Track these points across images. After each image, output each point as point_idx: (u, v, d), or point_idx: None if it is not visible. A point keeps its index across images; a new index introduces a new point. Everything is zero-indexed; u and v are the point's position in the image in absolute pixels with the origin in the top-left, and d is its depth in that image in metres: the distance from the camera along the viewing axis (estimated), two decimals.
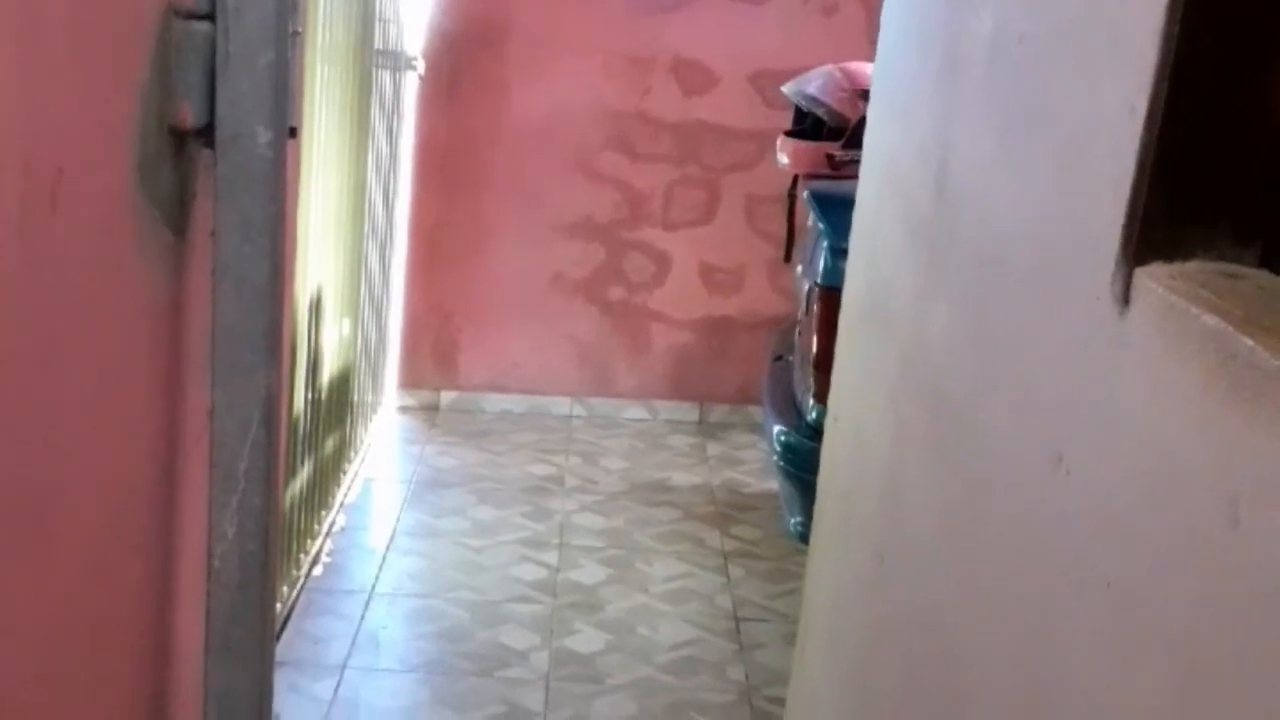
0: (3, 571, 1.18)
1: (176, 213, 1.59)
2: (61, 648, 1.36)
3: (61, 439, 1.31)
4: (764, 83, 4.84)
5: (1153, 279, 0.98)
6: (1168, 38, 0.99)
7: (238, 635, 1.73)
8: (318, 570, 3.62)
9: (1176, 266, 0.99)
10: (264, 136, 1.60)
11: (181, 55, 1.55)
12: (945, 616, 1.45)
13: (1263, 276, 0.97)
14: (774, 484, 4.42)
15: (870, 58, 4.46)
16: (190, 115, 1.57)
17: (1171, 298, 0.95)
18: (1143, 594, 0.97)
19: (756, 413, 4.95)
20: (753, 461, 4.71)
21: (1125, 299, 1.01)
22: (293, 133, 1.75)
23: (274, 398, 1.71)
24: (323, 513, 3.76)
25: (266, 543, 1.74)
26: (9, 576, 1.20)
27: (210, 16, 1.56)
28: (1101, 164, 1.09)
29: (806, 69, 4.23)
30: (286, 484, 3.24)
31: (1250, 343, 0.82)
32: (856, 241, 2.25)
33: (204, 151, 1.60)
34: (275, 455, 1.73)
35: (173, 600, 1.71)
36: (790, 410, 3.27)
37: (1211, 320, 0.87)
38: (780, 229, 4.81)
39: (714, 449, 4.82)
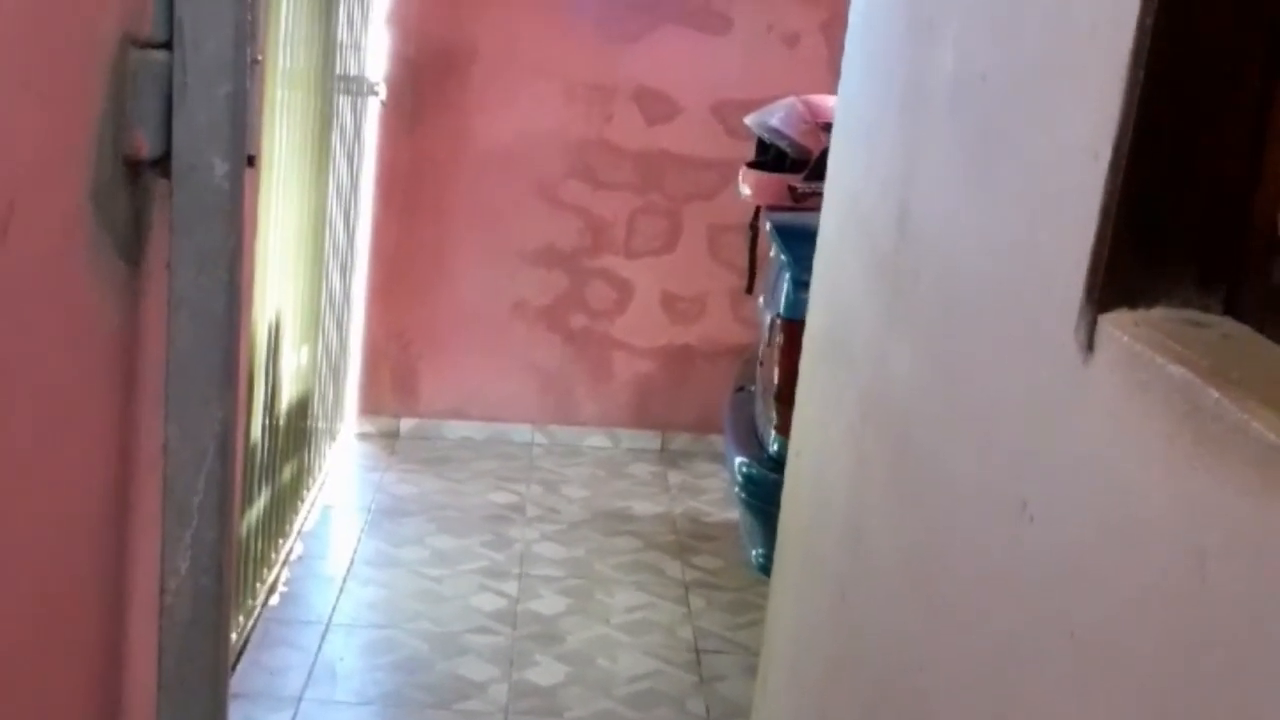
0: None
1: (132, 243, 1.57)
2: (5, 688, 1.33)
3: (5, 474, 1.28)
4: (726, 112, 4.85)
5: (1117, 326, 0.98)
6: (1132, 82, 0.99)
7: (191, 673, 1.70)
8: (274, 600, 3.58)
9: (1141, 313, 0.99)
10: (221, 168, 1.58)
11: (138, 84, 1.53)
12: (908, 657, 1.44)
13: (1228, 324, 0.96)
14: (735, 514, 4.40)
15: (832, 89, 4.49)
16: (146, 145, 1.55)
17: (1136, 346, 0.94)
18: (1108, 643, 0.96)
19: (718, 442, 4.94)
20: (714, 491, 4.70)
21: (1089, 346, 1.01)
22: (251, 161, 1.73)
23: (229, 430, 1.68)
24: (280, 541, 3.72)
25: (221, 577, 1.71)
26: None
27: (168, 45, 1.53)
28: (1065, 207, 1.09)
29: (768, 99, 4.24)
30: (243, 512, 3.21)
31: (1216, 394, 0.81)
32: (818, 275, 2.25)
33: (160, 182, 1.58)
34: (230, 488, 1.71)
35: (124, 638, 1.67)
36: (752, 441, 3.26)
37: (1177, 370, 0.87)
38: (741, 258, 4.82)
39: (675, 478, 4.80)
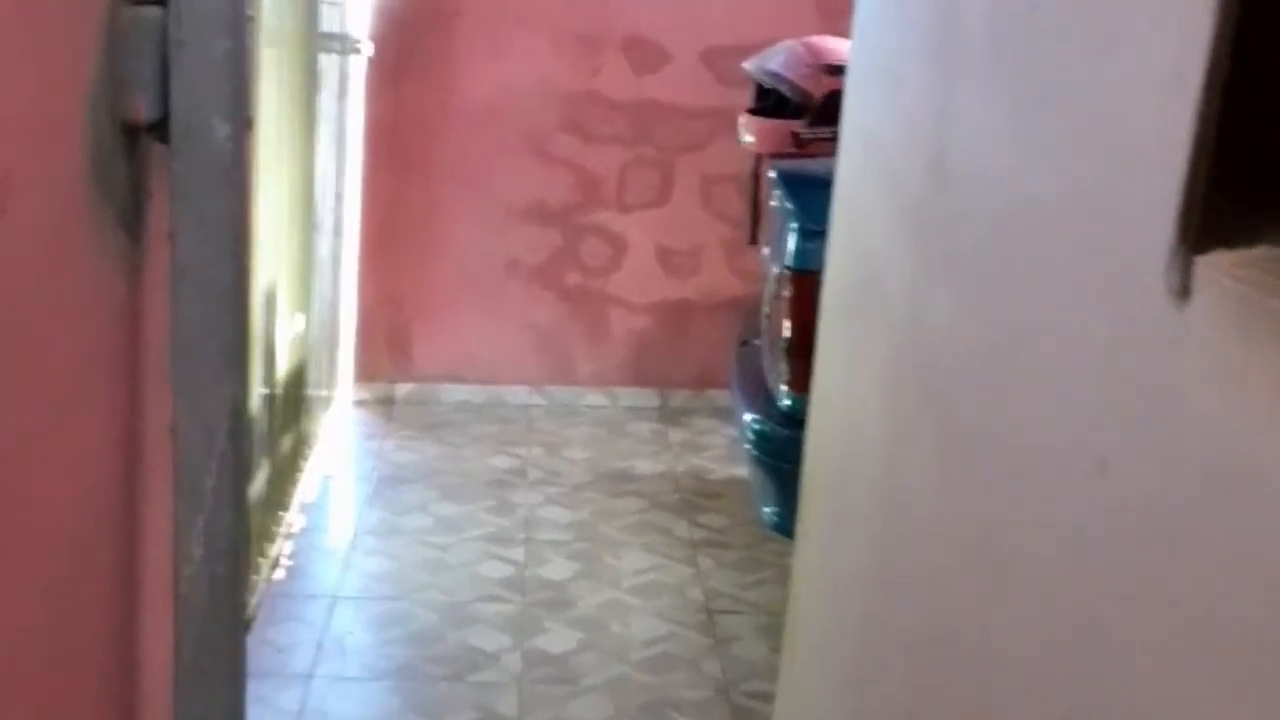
0: None
1: (132, 213, 1.48)
2: (18, 682, 1.26)
3: (9, 460, 1.20)
4: (715, 59, 4.75)
5: (1216, 268, 0.91)
6: None
7: (208, 662, 1.63)
8: (279, 574, 3.50)
9: (1241, 254, 0.91)
10: (222, 130, 1.49)
11: (132, 44, 1.44)
12: (963, 625, 1.37)
13: None
14: (739, 470, 4.35)
15: (823, 31, 4.40)
16: (143, 109, 1.47)
17: (1241, 288, 0.87)
18: (1207, 611, 0.89)
19: (718, 397, 4.88)
20: (716, 447, 4.64)
21: (1184, 290, 0.93)
22: (249, 123, 1.64)
23: (241, 409, 1.60)
24: (281, 514, 3.65)
25: (236, 563, 1.64)
26: None
27: (161, 2, 1.45)
28: (1144, 142, 1.01)
29: (758, 44, 4.15)
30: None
31: None
32: (837, 223, 2.17)
33: (159, 147, 1.49)
34: (244, 470, 1.63)
35: (138, 627, 1.61)
36: (762, 397, 3.19)
37: None
38: (736, 209, 4.74)
39: (676, 435, 4.74)
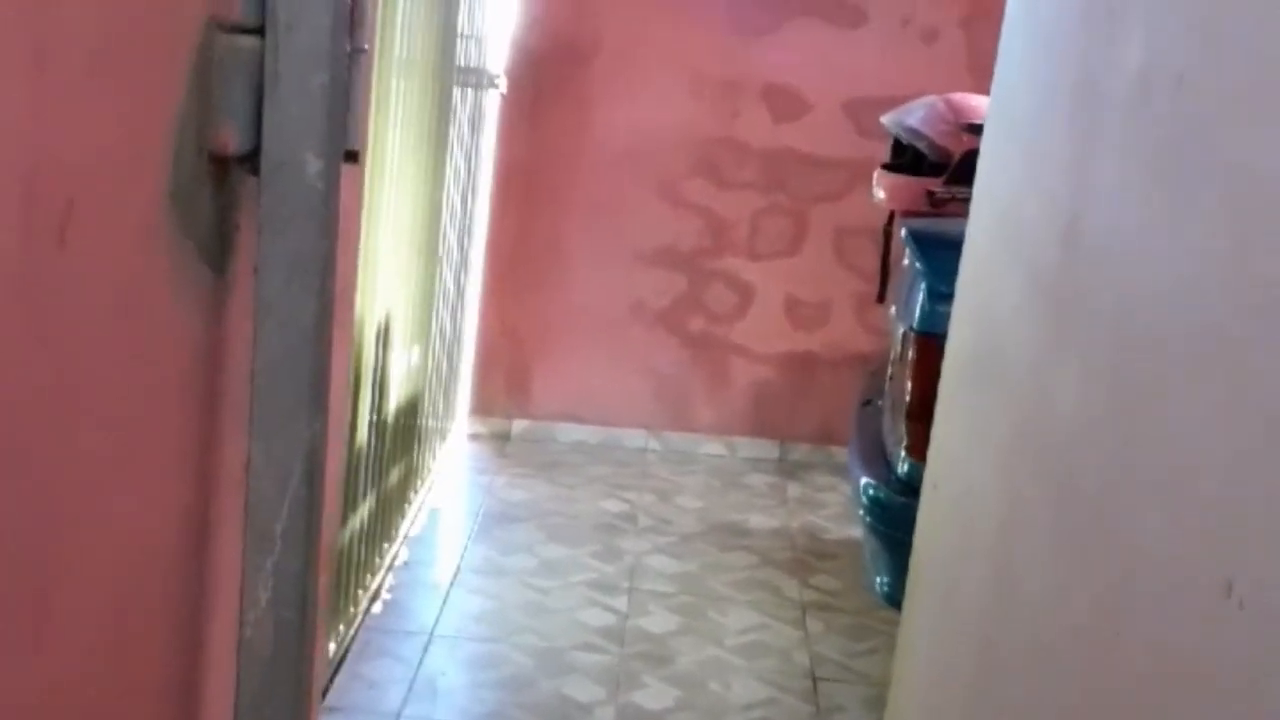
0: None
1: (216, 247, 1.44)
2: None
3: (78, 499, 1.15)
4: (858, 110, 4.65)
5: None
6: None
7: (269, 712, 1.57)
8: (377, 608, 3.47)
9: None
10: (314, 165, 1.44)
11: (225, 73, 1.40)
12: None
13: None
14: (855, 530, 4.21)
15: (970, 88, 4.27)
16: (233, 140, 1.42)
17: None
18: None
19: (839, 453, 4.74)
20: (834, 505, 4.51)
21: None
22: (354, 157, 1.59)
23: (318, 451, 1.55)
24: (385, 545, 3.62)
25: (305, 610, 1.58)
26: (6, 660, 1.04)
27: (259, 31, 1.40)
28: None
29: (902, 98, 4.04)
30: (347, 517, 3.10)
31: None
32: (964, 288, 2.05)
33: (249, 180, 1.44)
34: (318, 514, 1.57)
35: (200, 672, 1.55)
36: (879, 461, 3.07)
37: None
38: (870, 263, 4.61)
39: (794, 490, 4.62)
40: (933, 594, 1.99)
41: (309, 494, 1.55)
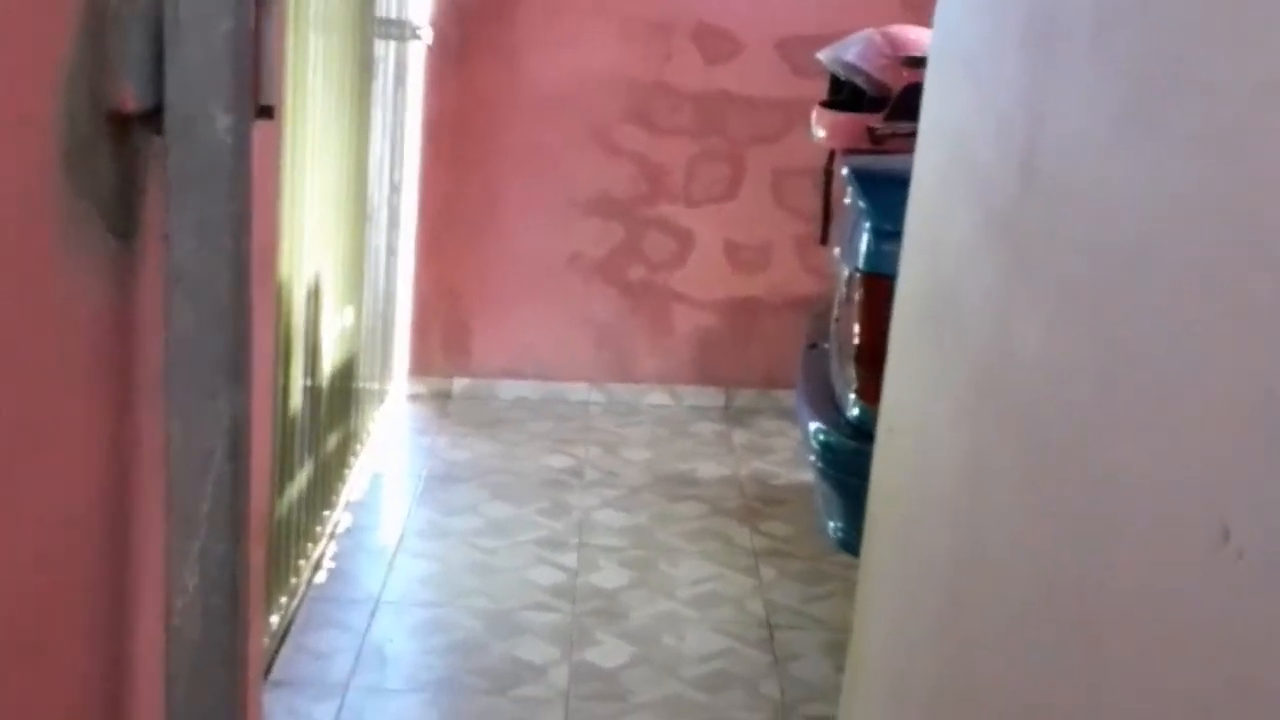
0: None
1: (120, 213, 1.33)
2: None
3: None
4: (790, 49, 4.57)
5: None
6: None
7: (202, 702, 1.48)
8: (320, 577, 3.38)
9: None
10: (223, 120, 1.33)
11: (120, 23, 1.29)
12: (1054, 703, 1.19)
13: None
14: (804, 475, 4.16)
15: (903, 21, 4.19)
16: (133, 96, 1.31)
17: None
18: None
19: (785, 398, 4.70)
20: (782, 450, 4.46)
21: None
22: (269, 112, 1.49)
23: (241, 426, 1.45)
24: (325, 513, 3.52)
25: (235, 594, 1.49)
26: None
27: None
28: None
29: (834, 34, 3.96)
30: (284, 486, 3.00)
31: None
32: (913, 227, 1.98)
33: (154, 140, 1.34)
34: (244, 493, 1.48)
35: (127, 665, 1.46)
36: (828, 406, 3.00)
37: None
38: (809, 204, 4.54)
39: (740, 437, 4.56)
40: (892, 541, 1.94)
41: (233, 472, 1.45)
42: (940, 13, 1.94)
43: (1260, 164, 0.89)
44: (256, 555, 2.14)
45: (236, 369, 1.42)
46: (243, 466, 1.46)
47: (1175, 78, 1.05)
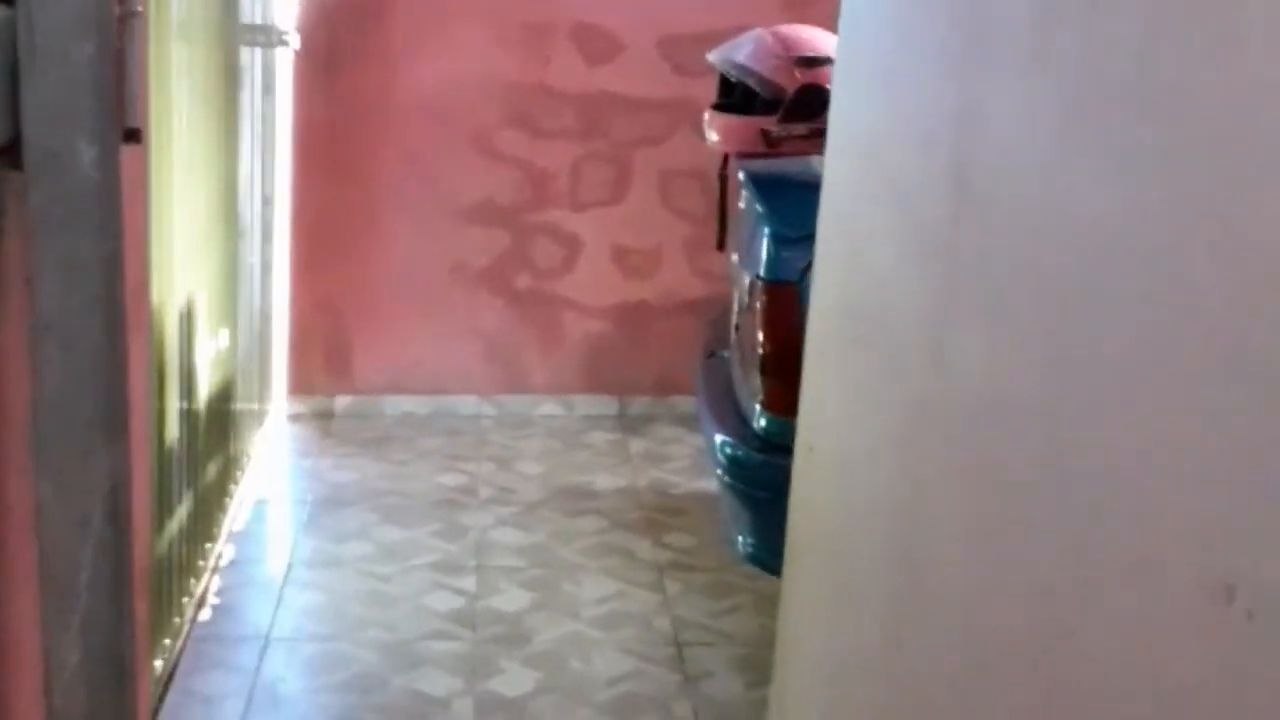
0: None
1: None
2: None
3: None
4: (672, 48, 4.48)
5: None
6: None
7: None
8: (205, 614, 3.22)
9: None
10: (88, 153, 1.20)
11: None
12: None
13: None
14: (704, 484, 4.09)
15: (783, 18, 4.13)
16: None
17: None
18: None
19: (679, 403, 4.62)
20: (679, 458, 4.38)
21: None
22: (135, 135, 1.36)
23: (120, 485, 1.32)
24: (207, 545, 3.36)
25: (121, 664, 1.36)
26: None
27: (8, 1, 1.16)
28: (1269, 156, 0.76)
29: (714, 31, 3.89)
30: (162, 523, 2.84)
31: None
32: (828, 239, 1.90)
33: (12, 175, 1.21)
34: (126, 558, 1.35)
35: None
36: (733, 417, 2.93)
37: None
38: (698, 205, 4.48)
39: (637, 446, 4.47)
40: (818, 569, 1.86)
41: (114, 536, 1.32)
42: (846, 12, 1.86)
43: (1234, 177, 0.82)
44: (140, 610, 1.99)
45: (113, 424, 1.29)
46: (124, 530, 1.33)
47: (1129, 83, 0.98)
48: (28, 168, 1.20)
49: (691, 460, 4.33)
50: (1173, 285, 0.90)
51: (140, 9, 1.45)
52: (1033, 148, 1.16)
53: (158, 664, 2.80)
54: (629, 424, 4.65)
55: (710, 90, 3.70)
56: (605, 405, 4.71)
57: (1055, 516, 1.06)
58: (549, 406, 4.69)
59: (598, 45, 4.48)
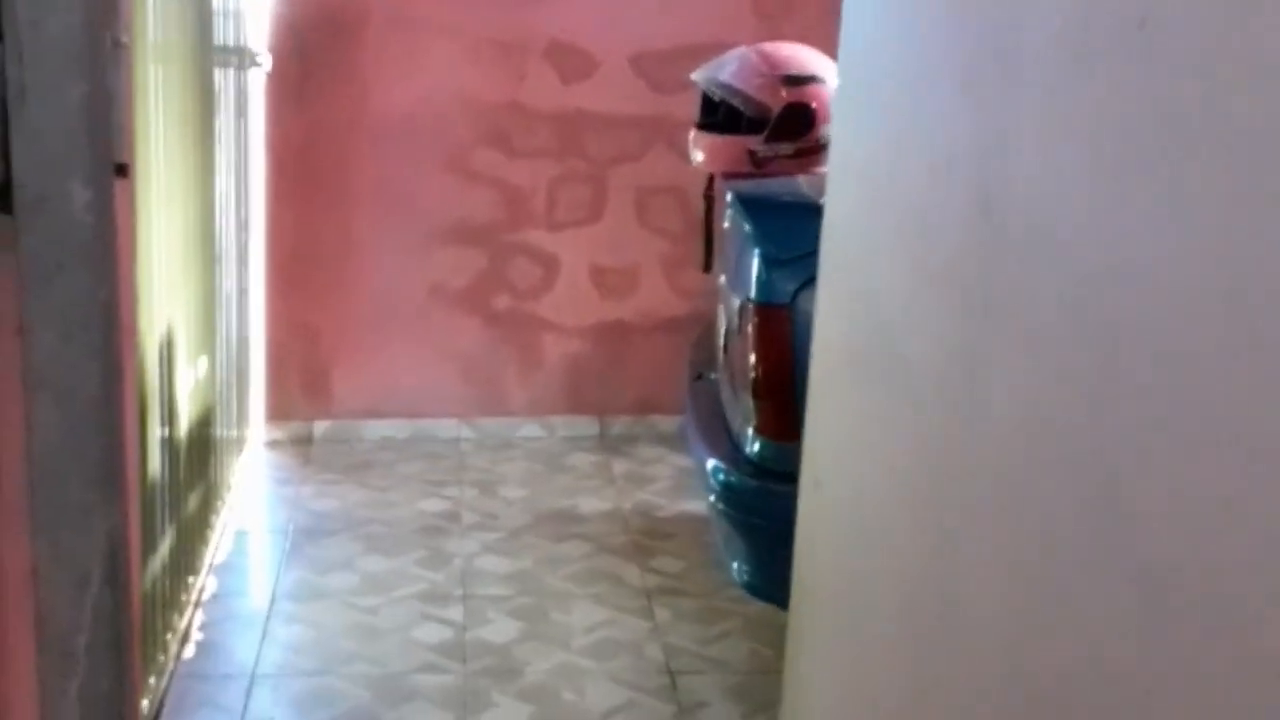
0: None
1: None
2: None
3: None
4: (646, 65, 4.45)
5: None
6: None
7: None
8: (189, 651, 3.14)
9: None
10: (82, 196, 1.15)
11: None
12: None
13: None
14: (690, 504, 4.05)
15: (757, 33, 4.10)
16: None
17: None
18: None
19: (660, 422, 4.58)
20: (663, 479, 4.33)
21: None
22: (124, 171, 1.30)
23: (119, 544, 1.26)
24: (190, 579, 3.29)
25: None
26: None
27: None
28: None
29: (690, 47, 3.86)
30: (146, 560, 2.77)
31: None
32: (831, 269, 1.86)
33: (3, 221, 1.15)
34: (126, 620, 1.29)
35: None
36: (724, 442, 2.88)
37: None
38: (675, 223, 4.44)
39: (619, 467, 4.42)
40: (833, 612, 1.81)
41: (113, 597, 1.27)
42: (847, 33, 1.82)
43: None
44: (133, 662, 1.93)
45: (112, 482, 1.23)
46: (123, 590, 1.28)
47: (1184, 112, 0.94)
48: (18, 212, 1.15)
49: (675, 481, 4.29)
50: (1229, 329, 0.86)
51: (126, 40, 1.39)
52: (1073, 179, 1.12)
53: (144, 703, 2.73)
54: (610, 444, 4.60)
55: (686, 106, 3.66)
56: (586, 426, 4.65)
57: (1106, 565, 1.02)
58: (529, 428, 4.63)
59: (572, 63, 4.43)
